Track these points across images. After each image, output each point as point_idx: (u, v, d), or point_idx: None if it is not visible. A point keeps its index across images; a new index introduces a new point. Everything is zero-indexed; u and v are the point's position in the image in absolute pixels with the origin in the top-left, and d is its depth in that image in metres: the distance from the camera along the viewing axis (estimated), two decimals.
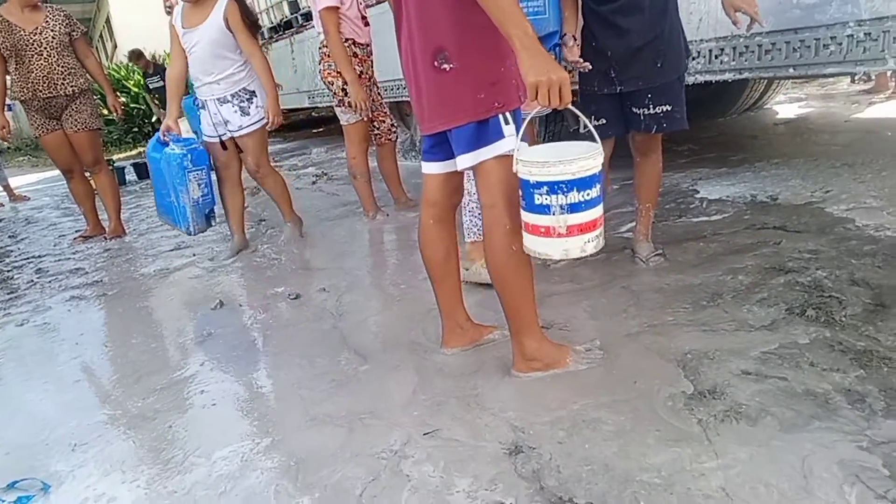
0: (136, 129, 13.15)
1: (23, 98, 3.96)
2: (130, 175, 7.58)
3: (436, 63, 1.55)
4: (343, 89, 3.42)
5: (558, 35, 2.20)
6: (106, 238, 4.34)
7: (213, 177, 3.42)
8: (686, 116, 2.21)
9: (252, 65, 3.18)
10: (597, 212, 1.47)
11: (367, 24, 3.52)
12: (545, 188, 1.42)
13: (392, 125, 3.85)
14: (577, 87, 2.09)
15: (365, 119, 3.57)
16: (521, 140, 1.55)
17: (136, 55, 8.72)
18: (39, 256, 4.18)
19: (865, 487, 1.19)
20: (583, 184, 1.41)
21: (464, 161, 1.63)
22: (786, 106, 5.70)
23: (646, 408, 1.53)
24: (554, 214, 1.44)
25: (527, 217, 1.51)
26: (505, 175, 1.56)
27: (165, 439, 1.73)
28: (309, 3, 5.13)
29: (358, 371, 1.96)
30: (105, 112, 6.78)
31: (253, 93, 3.24)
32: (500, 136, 1.57)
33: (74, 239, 4.46)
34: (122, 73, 13.32)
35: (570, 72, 2.06)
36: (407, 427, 1.60)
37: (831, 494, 1.18)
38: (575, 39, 2.13)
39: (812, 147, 3.98)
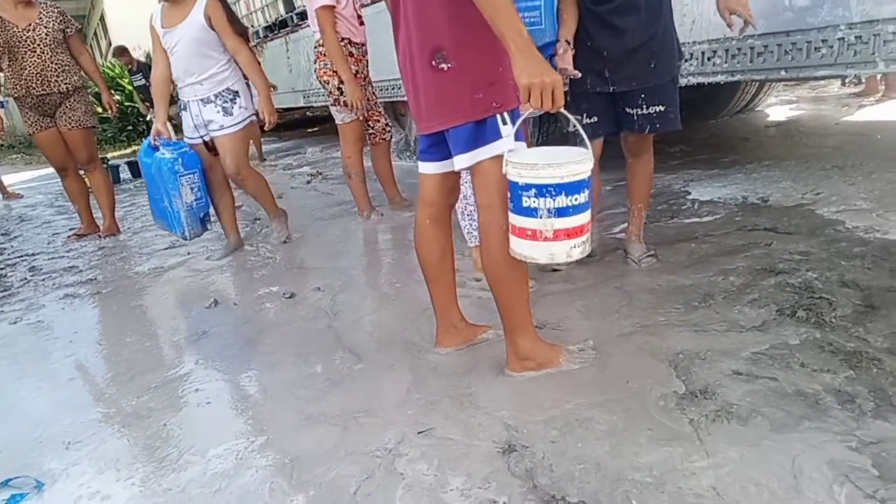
0: (130, 128, 13.07)
1: (16, 95, 3.94)
2: (125, 173, 7.55)
3: (434, 62, 1.55)
4: (339, 88, 3.43)
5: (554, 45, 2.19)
6: (100, 236, 4.33)
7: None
8: (680, 117, 2.22)
9: (238, 63, 3.12)
10: (584, 217, 1.47)
11: (362, 23, 3.52)
12: (533, 191, 1.43)
13: (386, 125, 3.87)
14: (567, 87, 2.09)
15: (360, 118, 3.58)
16: (518, 140, 1.55)
17: (120, 51, 8.67)
18: (33, 254, 4.16)
19: (855, 487, 1.20)
20: (571, 188, 1.41)
21: (461, 161, 1.62)
22: (777, 108, 5.73)
23: (638, 407, 1.54)
24: (541, 218, 1.44)
25: (514, 219, 1.51)
26: (502, 175, 1.56)
27: (160, 437, 1.73)
28: (304, 1, 5.12)
29: (352, 370, 1.96)
30: (99, 110, 6.73)
31: (237, 93, 3.18)
32: (497, 136, 1.57)
33: (68, 237, 4.45)
34: (117, 71, 13.24)
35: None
36: (401, 426, 1.61)
37: (821, 494, 1.20)
38: (569, 44, 2.13)
39: (803, 149, 4.01)
